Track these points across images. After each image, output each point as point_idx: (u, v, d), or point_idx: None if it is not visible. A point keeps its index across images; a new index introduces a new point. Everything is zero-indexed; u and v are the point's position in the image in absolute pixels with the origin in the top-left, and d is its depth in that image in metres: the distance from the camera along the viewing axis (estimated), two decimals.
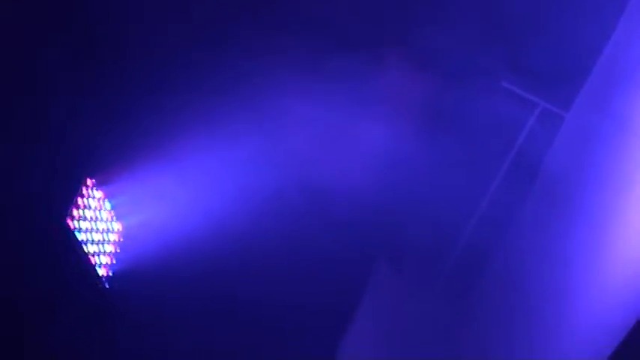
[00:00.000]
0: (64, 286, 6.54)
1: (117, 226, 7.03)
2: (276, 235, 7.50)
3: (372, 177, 7.76)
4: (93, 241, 6.80)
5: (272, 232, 7.48)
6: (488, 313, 7.74)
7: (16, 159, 6.28)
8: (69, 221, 6.60)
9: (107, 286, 6.88)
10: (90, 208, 6.81)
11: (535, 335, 7.15)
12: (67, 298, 6.56)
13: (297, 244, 7.55)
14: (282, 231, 7.52)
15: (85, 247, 6.69)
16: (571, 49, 7.70)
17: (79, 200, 6.71)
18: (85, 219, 6.74)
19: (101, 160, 6.82)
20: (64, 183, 6.58)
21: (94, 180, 6.86)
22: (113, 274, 6.95)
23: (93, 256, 6.78)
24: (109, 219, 6.98)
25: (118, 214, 7.01)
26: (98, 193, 6.90)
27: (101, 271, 6.86)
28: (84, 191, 6.76)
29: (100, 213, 6.89)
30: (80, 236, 6.67)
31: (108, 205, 6.98)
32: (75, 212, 6.66)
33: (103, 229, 6.90)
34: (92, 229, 6.79)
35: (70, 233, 6.57)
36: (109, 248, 6.94)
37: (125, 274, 6.96)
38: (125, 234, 7.04)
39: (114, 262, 6.97)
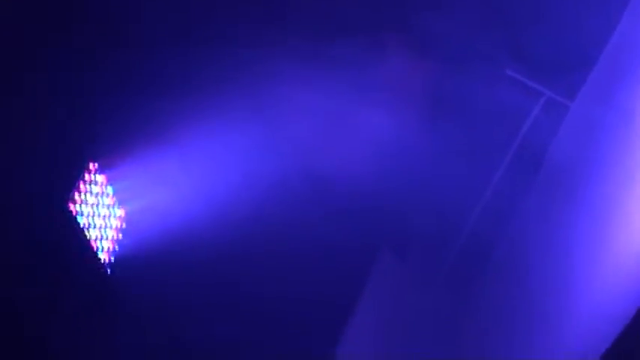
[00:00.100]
0: (66, 271, 6.46)
1: (119, 211, 6.94)
2: (278, 223, 7.43)
3: (374, 165, 7.68)
4: (95, 226, 6.71)
5: (274, 220, 7.42)
6: (491, 303, 7.68)
7: (18, 143, 6.20)
8: (71, 206, 6.51)
9: (109, 272, 6.80)
10: (92, 193, 6.72)
11: (537, 325, 7.09)
12: (69, 283, 6.48)
13: (298, 232, 7.48)
14: (284, 219, 7.45)
15: (86, 232, 6.60)
16: (576, 37, 7.62)
17: (81, 185, 6.63)
18: (87, 204, 6.66)
19: (104, 144, 6.74)
20: (66, 167, 6.50)
21: (96, 165, 6.77)
22: (115, 259, 6.87)
23: (95, 241, 6.70)
24: (111, 204, 6.90)
25: (121, 200, 6.93)
26: (100, 178, 6.81)
27: (103, 257, 6.77)
28: (86, 176, 6.67)
29: (102, 198, 6.80)
30: (82, 221, 6.59)
31: (110, 190, 6.89)
32: (77, 197, 6.58)
33: (104, 215, 6.82)
34: (94, 214, 6.71)
35: (71, 218, 6.48)
36: (111, 233, 6.86)
37: (127, 260, 6.88)
38: (127, 219, 6.95)
39: (116, 247, 6.88)
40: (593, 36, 7.63)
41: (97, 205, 6.75)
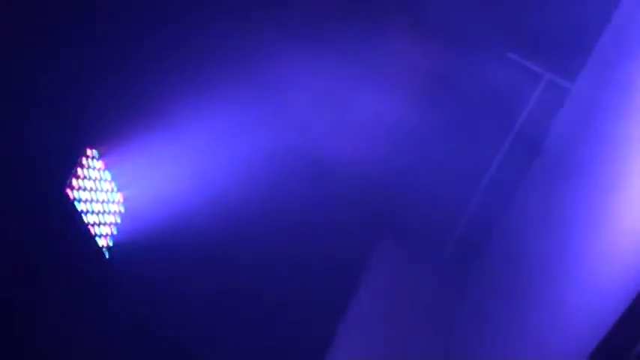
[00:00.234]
0: (64, 257, 6.36)
1: (117, 196, 6.83)
2: (277, 207, 7.35)
3: (373, 149, 7.62)
4: (93, 211, 6.60)
5: (274, 204, 7.34)
6: (491, 288, 7.61)
7: (14, 129, 6.09)
8: (68, 191, 6.40)
9: (107, 257, 6.69)
10: (90, 178, 6.60)
11: (537, 310, 7.00)
12: (67, 269, 6.38)
13: (297, 217, 7.40)
14: (286, 201, 7.37)
15: (85, 217, 6.50)
16: (577, 19, 7.55)
17: (79, 171, 6.51)
18: (85, 189, 6.55)
19: (101, 130, 6.61)
20: (63, 153, 6.38)
21: (94, 150, 6.66)
22: (113, 244, 6.76)
23: (93, 226, 6.58)
24: (110, 189, 6.79)
25: (119, 185, 6.82)
26: (98, 164, 6.70)
27: (101, 242, 6.67)
28: (84, 161, 6.55)
29: (100, 183, 6.69)
30: (80, 207, 6.47)
31: (108, 175, 6.77)
32: (75, 183, 6.47)
33: (103, 200, 6.70)
34: (92, 199, 6.59)
35: (69, 204, 6.38)
36: (110, 219, 6.75)
37: (126, 245, 6.78)
38: (126, 205, 6.85)
39: (114, 232, 6.78)
40: (594, 17, 7.57)
41: (95, 191, 6.64)
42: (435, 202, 7.76)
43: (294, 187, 7.36)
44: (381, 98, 7.52)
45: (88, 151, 6.61)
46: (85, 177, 6.55)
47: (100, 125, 6.58)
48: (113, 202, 6.78)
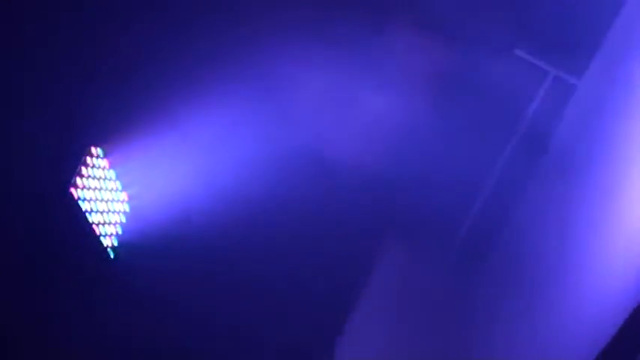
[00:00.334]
0: (68, 257, 6.24)
1: (122, 195, 6.69)
2: (283, 206, 7.23)
3: (379, 148, 7.51)
4: (97, 210, 6.46)
5: (279, 203, 7.22)
6: (496, 288, 7.52)
7: (17, 127, 5.97)
8: (72, 191, 6.27)
9: (112, 257, 6.56)
10: (94, 177, 6.46)
11: (542, 311, 6.91)
12: (71, 268, 6.26)
13: (304, 214, 7.29)
14: (290, 201, 7.25)
15: (89, 217, 6.36)
16: (583, 15, 7.46)
17: (83, 169, 6.37)
18: (89, 188, 6.41)
19: (106, 128, 6.47)
20: (67, 152, 6.24)
21: (98, 149, 6.52)
22: (118, 244, 6.62)
23: (97, 226, 6.44)
24: (115, 188, 6.65)
25: (124, 184, 6.68)
26: (103, 162, 6.56)
27: (106, 242, 6.52)
28: (88, 160, 6.41)
29: (104, 182, 6.55)
30: (84, 206, 6.34)
31: (113, 174, 6.63)
32: (79, 182, 6.33)
33: (108, 199, 6.56)
34: (97, 198, 6.45)
35: (73, 203, 6.24)
36: (115, 218, 6.61)
37: (131, 245, 6.64)
38: (131, 204, 6.71)
39: (119, 232, 6.64)
40: (601, 14, 7.48)
41: (100, 190, 6.50)
42: (440, 202, 7.66)
43: (300, 187, 7.24)
44: (386, 97, 7.42)
45: (93, 150, 6.47)
46: (89, 176, 6.41)
47: (104, 123, 6.44)
48: (118, 201, 6.64)
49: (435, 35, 7.53)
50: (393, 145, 7.56)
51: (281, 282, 7.27)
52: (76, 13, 6.10)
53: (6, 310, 6.10)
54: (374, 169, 7.49)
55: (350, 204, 7.47)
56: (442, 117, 7.62)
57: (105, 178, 6.56)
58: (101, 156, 6.53)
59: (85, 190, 6.36)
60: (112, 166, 6.60)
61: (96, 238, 6.41)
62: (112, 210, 6.58)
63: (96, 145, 6.49)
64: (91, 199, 6.40)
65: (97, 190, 6.46)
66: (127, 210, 6.69)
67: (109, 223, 6.55)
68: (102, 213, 6.49)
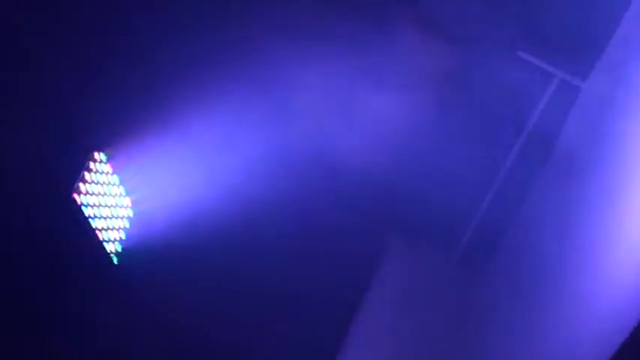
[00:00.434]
0: (71, 264, 6.12)
1: (126, 201, 6.57)
2: (287, 209, 7.11)
3: (384, 149, 7.39)
4: (101, 216, 6.33)
5: (283, 205, 7.10)
6: (503, 288, 7.41)
7: (20, 132, 5.85)
8: (75, 196, 6.14)
9: (116, 263, 6.44)
10: (98, 182, 6.34)
11: (549, 312, 6.81)
12: (74, 275, 6.14)
13: (308, 219, 7.17)
14: (294, 204, 7.13)
15: (92, 222, 6.23)
16: (588, 17, 7.35)
17: (87, 175, 6.25)
18: (92, 194, 6.28)
19: (109, 132, 6.35)
20: (70, 157, 6.12)
21: (101, 153, 6.40)
22: (122, 250, 6.49)
23: (101, 231, 6.32)
24: (118, 194, 6.52)
25: (127, 189, 6.55)
26: (106, 167, 6.43)
27: (109, 248, 6.40)
28: (91, 165, 6.29)
29: (108, 188, 6.42)
30: (87, 212, 6.21)
31: (117, 179, 6.51)
32: (82, 187, 6.20)
33: (111, 205, 6.44)
34: (100, 204, 6.33)
35: (76, 209, 6.12)
36: (118, 224, 6.48)
37: (135, 251, 6.52)
38: (135, 209, 6.59)
39: (123, 238, 6.51)
40: (606, 15, 7.38)
41: (103, 195, 6.38)
42: (447, 202, 7.54)
43: (306, 189, 7.12)
44: (390, 99, 7.31)
45: (96, 155, 6.35)
46: (92, 181, 6.29)
47: (107, 128, 6.32)
48: (121, 206, 6.52)
49: (439, 37, 7.42)
50: (397, 147, 7.44)
51: (285, 285, 7.15)
52: (79, 17, 5.99)
53: (9, 315, 6.00)
54: (377, 170, 7.38)
55: (353, 206, 7.35)
56: (446, 118, 7.50)
57: (108, 184, 6.43)
58: (104, 161, 6.40)
59: (88, 195, 6.23)
60: (115, 171, 6.47)
61: (99, 244, 6.29)
62: (115, 215, 6.46)
63: (99, 150, 6.36)
64: (94, 205, 6.27)
65: (100, 196, 6.34)
66: (131, 215, 6.57)
67: (113, 229, 6.43)
68: (105, 219, 6.37)
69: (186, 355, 6.79)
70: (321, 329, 7.32)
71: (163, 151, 6.54)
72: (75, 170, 6.16)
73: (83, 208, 6.16)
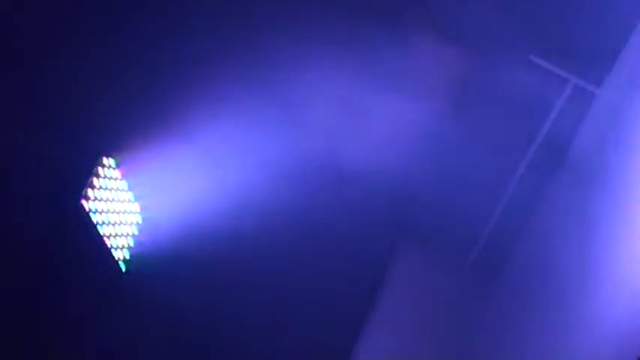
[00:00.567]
0: (79, 270, 5.95)
1: (135, 207, 6.39)
2: (298, 214, 6.96)
3: (396, 155, 7.24)
4: (109, 222, 6.15)
5: (294, 212, 6.94)
6: (514, 296, 7.27)
7: (28, 137, 5.68)
8: (84, 202, 5.96)
9: (124, 270, 6.26)
10: (106, 188, 6.16)
11: (561, 320, 6.67)
12: (82, 282, 5.97)
13: (318, 225, 7.02)
14: (304, 210, 6.97)
15: (100, 229, 6.06)
16: (603, 23, 7.20)
17: (95, 180, 6.07)
18: (100, 200, 6.11)
19: (118, 138, 6.17)
20: (78, 162, 5.94)
21: (110, 159, 6.22)
22: (130, 256, 6.31)
23: (109, 238, 6.14)
24: (127, 199, 6.34)
25: (136, 195, 6.37)
26: (115, 173, 6.25)
27: (117, 254, 6.22)
28: (100, 171, 6.11)
29: (116, 194, 6.24)
30: (95, 218, 6.03)
31: (125, 185, 6.33)
32: (90, 193, 6.03)
33: (119, 211, 6.26)
34: (108, 210, 6.15)
35: (84, 215, 5.94)
36: (127, 230, 6.30)
37: (143, 257, 6.33)
38: (143, 215, 6.41)
39: (131, 244, 6.33)
40: (620, 22, 7.23)
41: (112, 201, 6.20)
42: (458, 209, 7.41)
43: (316, 195, 6.97)
44: (404, 104, 7.15)
45: (105, 160, 6.17)
46: (101, 187, 6.11)
47: (116, 133, 6.14)
48: (130, 212, 6.34)
49: (452, 42, 7.26)
50: (409, 153, 7.30)
51: (296, 291, 7.01)
52: (90, 22, 5.82)
53: (15, 321, 5.85)
54: (389, 176, 7.23)
55: (365, 212, 7.21)
56: (458, 124, 7.36)
57: (117, 189, 6.25)
58: (113, 167, 6.22)
59: (96, 201, 6.06)
60: (124, 177, 6.29)
61: (107, 251, 6.11)
62: (123, 222, 6.28)
63: (108, 156, 6.19)
64: (102, 211, 6.09)
65: (108, 202, 6.16)
66: (140, 221, 6.40)
67: (121, 235, 6.25)
68: (114, 225, 6.18)
69: None
70: (333, 334, 7.20)
71: (172, 156, 6.37)
72: (83, 176, 5.98)
73: (91, 214, 5.98)
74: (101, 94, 5.91)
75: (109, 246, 6.13)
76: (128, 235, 6.31)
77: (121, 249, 6.25)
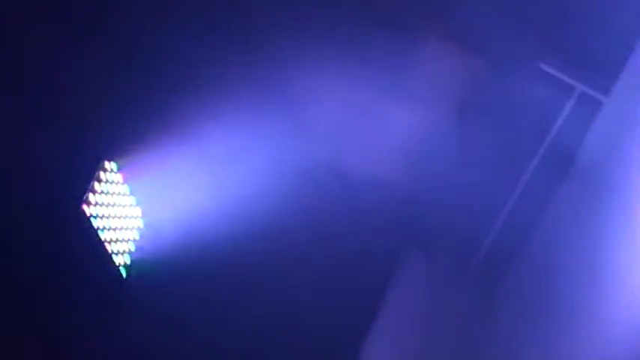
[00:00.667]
0: (79, 277, 5.82)
1: (136, 211, 6.25)
2: (301, 221, 6.82)
3: (402, 160, 7.12)
4: (110, 228, 6.01)
5: (298, 217, 6.80)
6: (520, 303, 7.18)
7: (29, 141, 5.56)
8: (84, 207, 5.83)
9: (125, 276, 6.13)
10: (107, 193, 6.03)
11: (567, 327, 6.59)
12: (82, 289, 5.85)
13: (322, 231, 6.88)
14: (309, 216, 6.84)
15: (101, 234, 5.92)
16: (612, 30, 7.08)
17: (96, 185, 5.93)
18: (102, 205, 5.97)
19: (120, 141, 6.04)
20: (79, 166, 5.82)
21: (112, 163, 6.09)
22: (132, 262, 6.17)
23: (110, 243, 6.01)
24: (128, 204, 6.20)
25: (138, 199, 6.24)
26: (117, 177, 6.12)
27: (118, 260, 6.08)
28: (101, 175, 5.97)
29: (118, 198, 6.11)
30: (96, 223, 5.90)
31: (127, 189, 6.19)
32: (91, 198, 5.89)
33: (121, 215, 6.12)
34: (109, 215, 6.01)
35: (85, 221, 5.81)
36: (128, 235, 6.16)
37: (145, 263, 6.19)
38: (145, 220, 6.27)
39: (132, 250, 6.20)
40: (629, 29, 7.12)
41: (113, 206, 6.06)
42: (463, 216, 7.29)
43: (320, 201, 6.84)
44: (408, 110, 7.03)
45: (107, 164, 6.04)
46: (102, 191, 5.98)
47: (118, 137, 6.01)
48: (131, 217, 6.20)
49: (458, 48, 7.15)
50: (415, 157, 7.18)
51: (300, 295, 6.86)
52: (92, 25, 5.70)
53: (16, 329, 5.74)
54: (395, 181, 7.12)
55: (370, 217, 7.09)
56: (465, 129, 7.24)
57: (118, 194, 6.11)
58: (115, 170, 6.08)
59: (97, 206, 5.92)
60: (126, 181, 6.15)
61: (108, 257, 5.98)
62: (125, 227, 6.14)
63: (109, 160, 6.06)
64: (103, 216, 5.96)
65: (109, 206, 6.02)
66: (141, 226, 6.26)
67: (122, 241, 6.11)
68: (114, 230, 6.04)
69: None
70: (337, 341, 7.05)
71: (175, 160, 6.23)
72: (85, 180, 5.86)
73: (92, 219, 5.85)
74: (102, 96, 5.79)
75: (109, 252, 5.99)
76: (129, 240, 6.17)
77: (122, 254, 6.11)
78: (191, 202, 6.32)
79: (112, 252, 6.02)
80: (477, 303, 7.34)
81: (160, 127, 6.15)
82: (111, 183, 6.05)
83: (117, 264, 6.06)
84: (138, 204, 6.24)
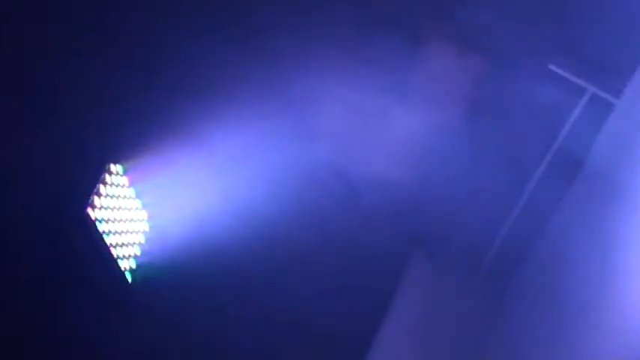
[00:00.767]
0: (84, 282, 5.70)
1: (142, 215, 6.12)
2: (307, 225, 6.69)
3: (409, 164, 6.99)
4: (115, 231, 5.88)
5: (303, 222, 6.67)
6: (528, 308, 7.06)
7: (32, 143, 5.43)
8: (90, 211, 5.70)
9: (130, 280, 6.00)
10: (113, 196, 5.89)
11: (576, 332, 6.47)
12: (87, 293, 5.72)
13: (328, 236, 6.75)
14: (314, 220, 6.71)
15: (106, 238, 5.79)
16: (623, 31, 6.95)
17: (102, 188, 5.80)
18: (107, 208, 5.84)
19: (126, 144, 5.91)
20: (84, 169, 5.68)
21: (118, 166, 5.95)
22: (137, 267, 6.04)
23: (115, 248, 5.87)
24: (134, 207, 6.07)
25: (144, 203, 6.10)
26: (122, 180, 5.98)
27: (124, 264, 5.94)
28: (107, 178, 5.84)
29: (124, 202, 5.97)
30: (102, 227, 5.77)
31: (133, 192, 6.05)
32: (97, 201, 5.76)
33: (126, 219, 5.98)
34: (115, 219, 5.87)
35: (90, 224, 5.68)
36: (133, 239, 6.03)
37: (150, 267, 6.06)
38: (151, 224, 6.14)
39: (138, 254, 6.07)
40: None
41: (119, 210, 5.93)
42: (471, 219, 7.17)
43: (326, 204, 6.71)
44: (414, 112, 6.90)
45: (112, 167, 5.90)
46: (107, 195, 5.84)
47: (124, 139, 5.88)
48: (137, 220, 6.07)
49: (467, 49, 7.01)
50: (422, 161, 7.05)
51: (306, 300, 6.74)
52: (88, 25, 5.56)
53: (20, 333, 5.62)
54: (401, 186, 6.98)
55: (376, 222, 6.96)
56: (473, 131, 7.11)
57: (124, 197, 5.98)
58: (121, 173, 5.95)
59: (102, 210, 5.79)
60: (131, 184, 6.02)
61: (113, 261, 5.84)
62: (130, 230, 6.00)
63: (115, 162, 5.93)
64: (109, 220, 5.82)
65: (115, 210, 5.89)
66: (147, 230, 6.13)
67: (128, 245, 5.98)
68: (120, 234, 5.91)
69: None
70: (343, 346, 6.94)
71: (181, 163, 6.10)
72: (90, 183, 5.72)
73: (97, 223, 5.72)
74: (105, 98, 5.65)
75: (115, 256, 5.85)
76: (135, 244, 6.04)
77: (127, 259, 5.97)
78: (197, 205, 6.19)
79: (118, 256, 5.88)
80: (484, 307, 7.24)
81: (165, 129, 6.02)
82: (116, 186, 5.91)
83: (122, 268, 5.92)
84: (144, 207, 6.11)
